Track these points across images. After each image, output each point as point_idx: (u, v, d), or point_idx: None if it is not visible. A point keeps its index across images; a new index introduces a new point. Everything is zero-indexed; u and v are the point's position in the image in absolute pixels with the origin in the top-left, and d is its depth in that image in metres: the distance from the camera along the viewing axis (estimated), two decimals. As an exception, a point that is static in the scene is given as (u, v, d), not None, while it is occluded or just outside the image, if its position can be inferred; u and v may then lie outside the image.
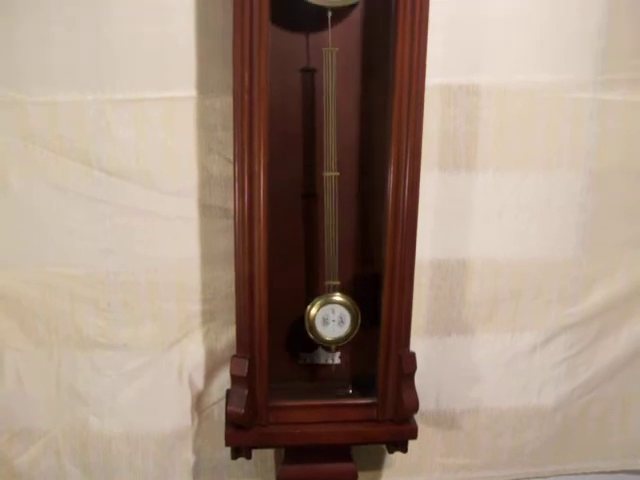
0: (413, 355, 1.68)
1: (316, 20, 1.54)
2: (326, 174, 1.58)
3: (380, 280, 1.65)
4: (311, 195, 1.68)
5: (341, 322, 1.68)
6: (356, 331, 1.68)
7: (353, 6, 1.55)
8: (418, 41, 1.48)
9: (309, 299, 1.69)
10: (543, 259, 1.92)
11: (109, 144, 1.70)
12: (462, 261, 1.88)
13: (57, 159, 1.70)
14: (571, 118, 1.82)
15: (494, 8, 1.71)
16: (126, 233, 1.77)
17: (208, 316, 1.85)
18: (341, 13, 1.55)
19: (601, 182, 1.87)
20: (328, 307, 1.67)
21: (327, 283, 1.66)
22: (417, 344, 1.77)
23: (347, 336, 1.69)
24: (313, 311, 1.67)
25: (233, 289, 1.62)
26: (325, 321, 1.67)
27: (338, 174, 1.58)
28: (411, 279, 1.63)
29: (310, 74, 1.61)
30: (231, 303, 1.67)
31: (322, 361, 1.79)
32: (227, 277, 1.76)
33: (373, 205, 1.67)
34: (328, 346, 1.71)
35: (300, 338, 1.72)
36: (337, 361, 1.79)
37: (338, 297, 1.67)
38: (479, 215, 1.85)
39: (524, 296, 1.93)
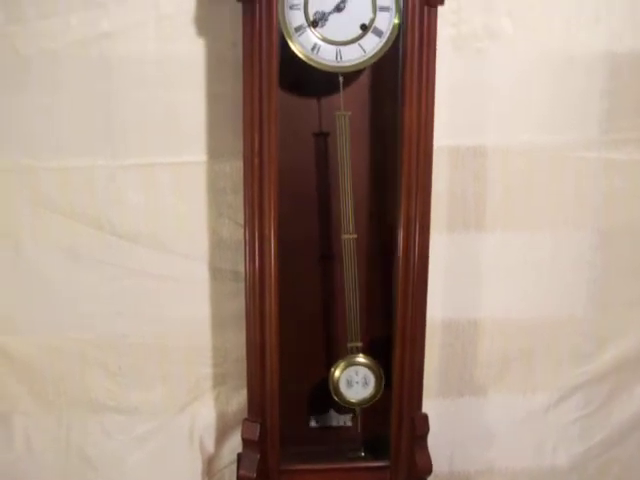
0: (426, 417, 1.67)
1: (326, 85, 1.56)
2: (344, 237, 1.59)
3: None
4: (328, 257, 1.69)
5: (365, 384, 1.67)
6: (381, 392, 1.67)
7: (361, 70, 1.57)
8: (425, 105, 1.50)
9: (329, 361, 1.69)
10: (553, 317, 1.91)
11: (120, 208, 1.73)
12: (473, 320, 1.88)
13: (68, 223, 1.72)
14: (577, 177, 1.83)
15: (499, 71, 1.75)
16: (136, 296, 1.78)
17: (219, 379, 1.85)
18: (350, 77, 1.57)
19: (609, 240, 1.88)
20: (352, 369, 1.66)
21: (349, 345, 1.65)
22: (429, 405, 1.75)
23: (372, 397, 1.68)
24: (337, 373, 1.66)
25: (244, 352, 1.62)
26: (349, 383, 1.67)
27: (356, 236, 1.59)
28: (422, 340, 1.63)
29: (323, 138, 1.64)
30: (242, 366, 1.67)
31: (334, 423, 1.78)
32: (238, 340, 1.75)
33: (390, 266, 1.67)
34: (353, 408, 1.70)
35: (312, 400, 1.71)
36: (349, 423, 1.77)
37: (361, 359, 1.66)
38: (489, 274, 1.86)
39: (535, 355, 1.93)
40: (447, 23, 1.67)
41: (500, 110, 1.76)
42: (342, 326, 1.66)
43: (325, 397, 1.70)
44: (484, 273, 1.85)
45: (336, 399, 1.68)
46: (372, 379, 1.67)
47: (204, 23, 1.65)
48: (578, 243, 1.87)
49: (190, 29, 1.65)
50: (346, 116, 1.55)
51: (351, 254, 1.60)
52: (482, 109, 1.76)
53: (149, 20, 1.65)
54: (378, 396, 1.67)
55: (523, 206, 1.83)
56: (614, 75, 1.77)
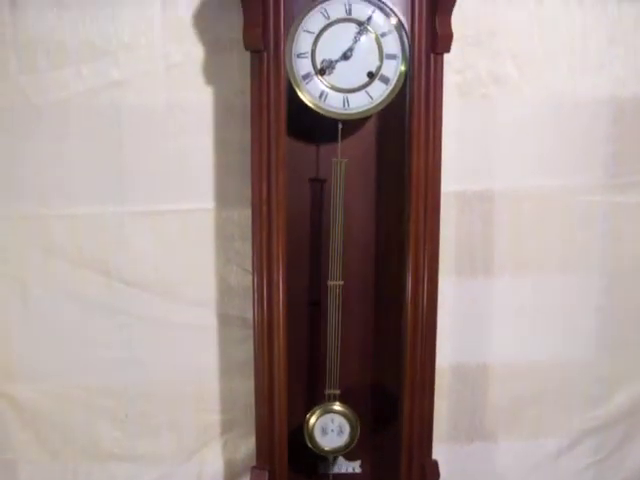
0: (436, 463, 1.65)
1: (329, 132, 1.57)
2: (330, 283, 1.60)
3: (382, 389, 1.67)
4: (317, 303, 1.69)
5: (340, 432, 1.66)
6: (355, 441, 1.66)
7: (366, 118, 1.59)
8: (433, 151, 1.51)
9: (310, 407, 1.68)
10: (563, 361, 1.90)
11: (128, 255, 1.73)
12: (482, 365, 1.87)
13: (77, 270, 1.73)
14: (584, 220, 1.84)
15: (505, 116, 1.76)
16: (144, 343, 1.78)
17: (227, 426, 1.84)
18: (354, 125, 1.59)
19: (618, 283, 1.87)
20: (327, 416, 1.65)
21: (327, 392, 1.64)
22: (439, 451, 1.73)
23: (346, 446, 1.67)
24: (312, 420, 1.65)
25: (252, 399, 1.61)
26: (324, 431, 1.66)
27: (342, 283, 1.59)
28: (432, 386, 1.61)
29: (320, 184, 1.65)
30: (250, 413, 1.66)
31: (343, 470, 1.75)
32: (246, 387, 1.73)
33: (382, 312, 1.68)
34: (326, 456, 1.69)
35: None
36: (358, 470, 1.76)
37: (337, 406, 1.65)
38: (497, 318, 1.85)
39: (546, 399, 1.91)
40: (452, 69, 1.69)
41: (506, 155, 1.78)
42: (322, 372, 1.66)
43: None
44: (493, 317, 1.85)
45: (310, 446, 1.66)
46: (347, 428, 1.66)
47: (213, 71, 1.68)
48: (587, 286, 1.87)
49: (199, 77, 1.68)
50: (343, 163, 1.56)
51: (336, 301, 1.60)
52: (488, 154, 1.77)
53: (158, 69, 1.67)
54: (353, 445, 1.67)
55: (531, 250, 1.83)
56: (619, 119, 1.78)
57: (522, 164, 1.79)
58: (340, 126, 1.53)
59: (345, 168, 1.56)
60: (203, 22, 1.66)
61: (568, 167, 1.80)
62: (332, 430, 1.66)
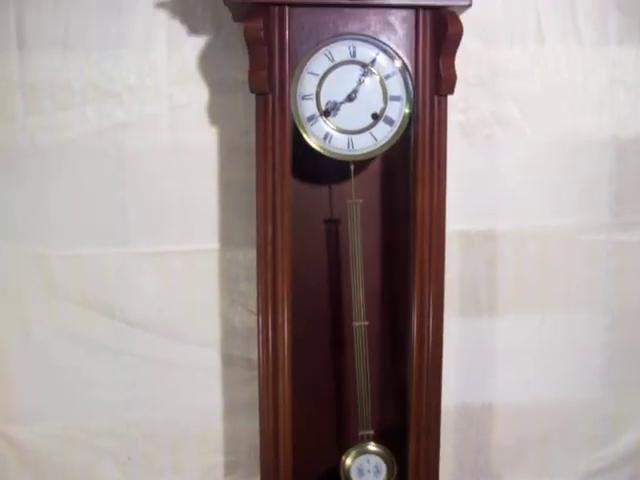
0: (442, 503, 1.63)
1: (336, 173, 1.59)
2: (355, 324, 1.58)
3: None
4: (339, 343, 1.68)
5: (377, 472, 1.63)
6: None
7: (372, 158, 1.59)
8: (437, 191, 1.52)
9: (341, 449, 1.66)
10: (568, 400, 1.90)
11: (132, 295, 1.73)
12: (487, 405, 1.87)
13: (79, 311, 1.72)
14: (588, 259, 1.84)
15: (508, 156, 1.78)
16: (148, 384, 1.76)
17: (231, 467, 1.82)
18: (361, 165, 1.59)
19: (622, 321, 1.87)
20: (363, 457, 1.63)
21: (361, 433, 1.62)
22: (444, 492, 1.73)
23: None
24: (348, 462, 1.63)
25: (256, 440, 1.59)
26: (360, 472, 1.63)
27: (367, 323, 1.58)
28: (437, 428, 1.60)
29: (334, 225, 1.66)
30: (254, 454, 1.64)
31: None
32: (250, 428, 1.72)
33: (402, 352, 1.66)
34: None
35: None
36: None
37: (373, 447, 1.63)
38: (502, 358, 1.85)
39: (551, 439, 1.90)
40: (455, 109, 1.70)
41: (510, 194, 1.79)
42: (354, 413, 1.64)
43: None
44: (497, 357, 1.84)
45: (348, 487, 1.65)
46: (384, 467, 1.63)
47: (217, 112, 1.69)
48: (591, 324, 1.87)
49: (204, 118, 1.69)
50: (357, 204, 1.56)
51: (362, 341, 1.58)
52: (492, 194, 1.79)
53: (163, 110, 1.68)
54: None
55: (535, 289, 1.83)
56: (621, 159, 1.80)
57: (525, 203, 1.80)
58: (352, 167, 1.53)
59: (360, 209, 1.56)
60: (208, 63, 1.68)
61: (571, 206, 1.82)
62: (369, 471, 1.63)
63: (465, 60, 1.58)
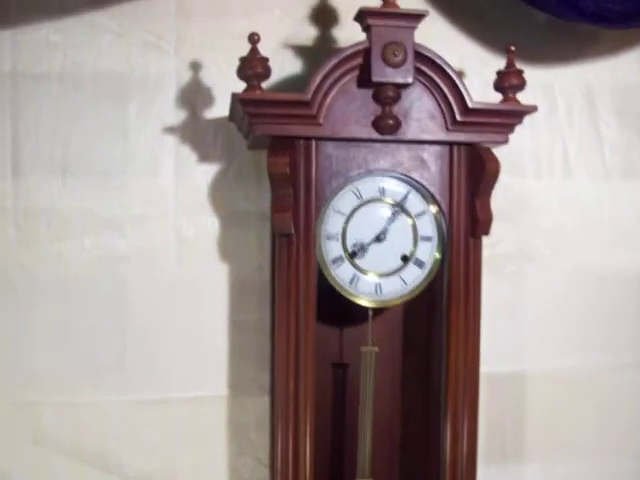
0: None
1: (353, 317, 1.49)
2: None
3: None
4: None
5: None
6: None
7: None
8: (472, 337, 1.41)
9: None
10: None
11: (131, 447, 1.56)
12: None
13: (71, 465, 1.54)
14: (617, 401, 1.74)
15: (535, 293, 1.70)
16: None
17: None
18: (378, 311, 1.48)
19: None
20: None
21: None
22: None
23: None
24: None
25: None
26: None
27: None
28: None
29: (343, 369, 1.55)
30: None
31: None
32: None
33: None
34: None
35: None
36: None
37: None
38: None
39: None
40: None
41: (537, 334, 1.70)
42: None
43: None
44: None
45: None
46: None
47: (228, 245, 1.57)
48: (621, 472, 1.76)
49: (213, 251, 1.57)
50: (373, 352, 1.44)
51: None
52: (519, 333, 1.70)
53: (169, 242, 1.56)
54: None
55: (565, 434, 1.72)
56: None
57: (554, 343, 1.71)
58: (370, 313, 1.42)
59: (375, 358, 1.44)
60: (218, 193, 1.57)
61: (601, 345, 1.74)
62: None
63: (493, 194, 1.49)
